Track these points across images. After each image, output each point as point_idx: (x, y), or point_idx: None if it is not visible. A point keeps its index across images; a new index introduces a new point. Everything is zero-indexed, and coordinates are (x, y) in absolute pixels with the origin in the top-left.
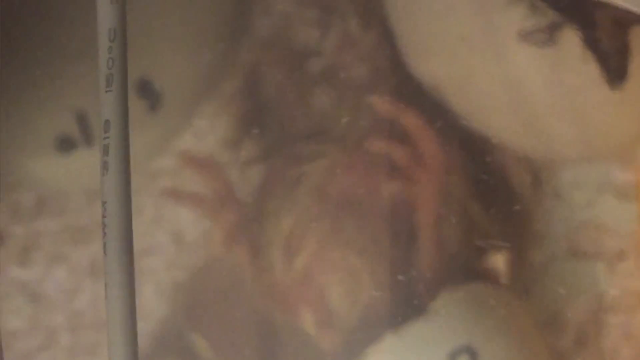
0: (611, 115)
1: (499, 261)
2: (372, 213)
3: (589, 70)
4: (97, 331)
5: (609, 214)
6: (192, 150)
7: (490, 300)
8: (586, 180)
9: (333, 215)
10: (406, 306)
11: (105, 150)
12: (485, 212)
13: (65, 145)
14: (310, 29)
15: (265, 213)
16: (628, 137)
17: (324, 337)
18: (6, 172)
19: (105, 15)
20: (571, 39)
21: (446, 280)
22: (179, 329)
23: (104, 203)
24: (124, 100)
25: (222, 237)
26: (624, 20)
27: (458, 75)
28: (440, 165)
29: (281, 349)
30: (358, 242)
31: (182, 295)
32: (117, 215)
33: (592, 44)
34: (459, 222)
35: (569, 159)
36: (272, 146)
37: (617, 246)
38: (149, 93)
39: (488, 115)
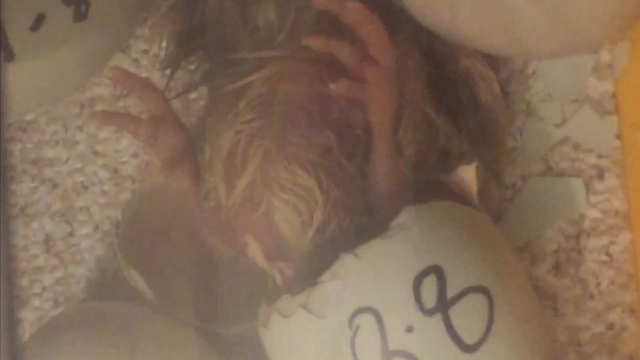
0: (586, 10)
1: (469, 173)
2: (322, 122)
3: None
4: None
5: (586, 129)
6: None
7: (459, 218)
8: (560, 92)
9: (278, 127)
10: (365, 225)
11: None
12: (452, 122)
13: None
14: None
15: (206, 133)
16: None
17: (274, 267)
18: None
19: None
20: None
21: (408, 194)
22: (115, 267)
23: None
24: None
25: (161, 163)
26: None
27: None
28: (392, 62)
29: (220, 282)
30: (307, 156)
31: (119, 231)
32: None
33: None
34: (419, 128)
35: (542, 56)
36: (213, 67)
37: (596, 164)
38: None
39: (456, 13)
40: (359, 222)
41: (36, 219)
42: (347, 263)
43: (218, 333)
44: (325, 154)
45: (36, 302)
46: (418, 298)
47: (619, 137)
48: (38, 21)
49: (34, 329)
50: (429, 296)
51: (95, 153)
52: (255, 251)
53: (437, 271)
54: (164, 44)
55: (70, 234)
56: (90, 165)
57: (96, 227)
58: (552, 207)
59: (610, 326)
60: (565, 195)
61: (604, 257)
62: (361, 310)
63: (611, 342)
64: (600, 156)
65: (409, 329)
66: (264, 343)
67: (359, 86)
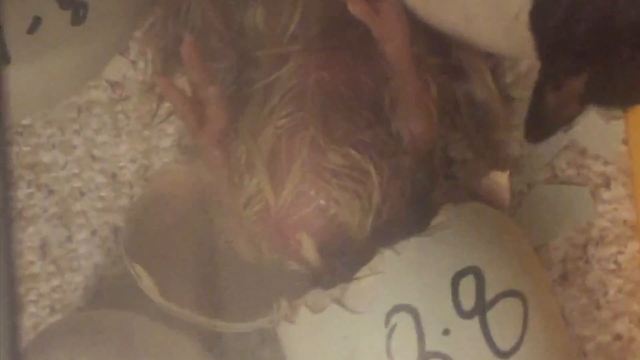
0: None
1: (502, 179)
2: (358, 103)
3: None
4: None
5: (592, 134)
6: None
7: (494, 221)
8: None
9: (319, 115)
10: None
11: None
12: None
13: None
14: None
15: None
16: None
17: (328, 266)
18: None
19: None
20: None
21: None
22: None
23: None
24: None
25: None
26: None
27: None
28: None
29: (225, 279)
30: (355, 137)
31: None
32: None
33: None
34: None
35: None
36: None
37: (603, 172)
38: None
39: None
40: (408, 201)
41: (32, 224)
42: (386, 258)
43: (220, 335)
44: (369, 133)
45: (32, 309)
46: (456, 299)
47: (625, 142)
48: (35, 24)
49: (31, 335)
50: (467, 298)
51: (93, 157)
52: (309, 249)
53: (475, 272)
54: (149, 58)
55: (68, 240)
56: (88, 170)
57: (94, 233)
58: (558, 215)
59: (617, 336)
60: (572, 203)
61: (612, 266)
62: (399, 308)
63: (618, 352)
64: (606, 163)
65: (446, 332)
66: (284, 339)
67: (373, 14)
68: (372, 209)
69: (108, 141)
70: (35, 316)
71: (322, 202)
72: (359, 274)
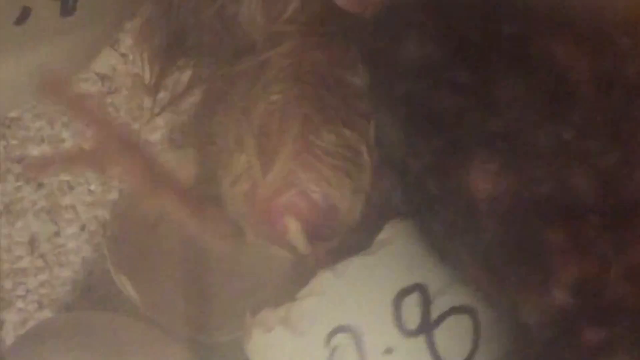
0: None
1: None
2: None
3: None
4: None
5: None
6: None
7: None
8: None
9: (313, 92)
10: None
11: None
12: None
13: None
14: None
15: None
16: None
17: (315, 252)
18: None
19: None
20: None
21: None
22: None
23: None
24: None
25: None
26: None
27: None
28: None
29: (211, 286)
30: (348, 117)
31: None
32: None
33: None
34: None
35: None
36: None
37: None
38: None
39: None
40: (395, 187)
41: (20, 218)
42: (325, 280)
43: (206, 343)
44: (362, 118)
45: (20, 304)
46: (399, 318)
47: None
48: (24, 15)
49: (18, 331)
50: (412, 316)
51: (82, 151)
52: (296, 233)
53: (421, 289)
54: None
55: (56, 234)
56: None
57: (82, 228)
58: None
59: None
60: None
61: None
62: (339, 329)
63: None
64: None
65: (389, 350)
66: (249, 356)
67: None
68: (363, 191)
69: None
70: (23, 311)
71: (313, 184)
72: (300, 294)
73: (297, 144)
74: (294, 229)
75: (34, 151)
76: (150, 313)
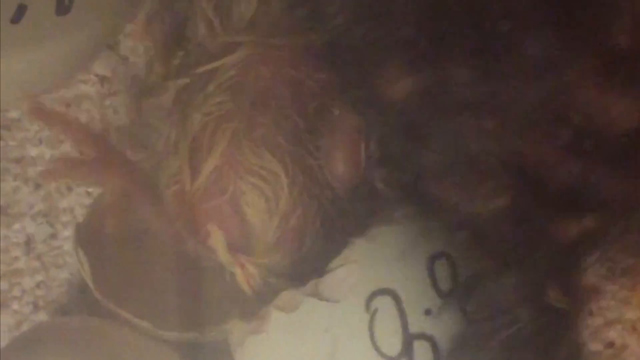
0: None
1: None
2: (293, 107)
3: None
4: None
5: None
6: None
7: None
8: None
9: (246, 109)
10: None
11: None
12: None
13: None
14: None
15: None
16: None
17: (236, 261)
18: None
19: None
20: None
21: None
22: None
23: None
24: None
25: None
26: None
27: None
28: None
29: (198, 285)
30: (275, 140)
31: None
32: None
33: None
34: None
35: None
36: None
37: None
38: None
39: None
40: (325, 213)
41: (17, 219)
42: (358, 248)
43: (199, 345)
44: (293, 139)
45: (15, 306)
46: (434, 280)
47: None
48: (19, 13)
49: (13, 333)
50: (442, 280)
51: (81, 153)
52: (217, 241)
53: (447, 256)
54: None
55: (53, 236)
56: None
57: None
58: None
59: (609, 344)
60: None
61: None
62: (378, 292)
63: None
64: None
65: (428, 312)
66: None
67: None
68: (279, 213)
69: None
70: (18, 313)
71: (231, 197)
72: (331, 265)
73: (222, 158)
74: (215, 236)
75: (32, 152)
76: (103, 298)
